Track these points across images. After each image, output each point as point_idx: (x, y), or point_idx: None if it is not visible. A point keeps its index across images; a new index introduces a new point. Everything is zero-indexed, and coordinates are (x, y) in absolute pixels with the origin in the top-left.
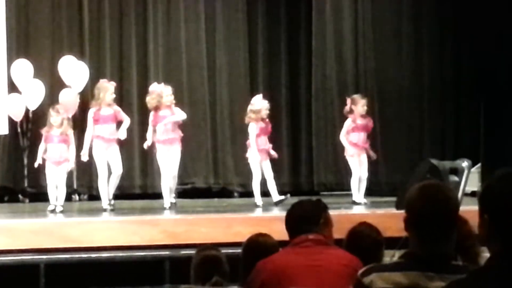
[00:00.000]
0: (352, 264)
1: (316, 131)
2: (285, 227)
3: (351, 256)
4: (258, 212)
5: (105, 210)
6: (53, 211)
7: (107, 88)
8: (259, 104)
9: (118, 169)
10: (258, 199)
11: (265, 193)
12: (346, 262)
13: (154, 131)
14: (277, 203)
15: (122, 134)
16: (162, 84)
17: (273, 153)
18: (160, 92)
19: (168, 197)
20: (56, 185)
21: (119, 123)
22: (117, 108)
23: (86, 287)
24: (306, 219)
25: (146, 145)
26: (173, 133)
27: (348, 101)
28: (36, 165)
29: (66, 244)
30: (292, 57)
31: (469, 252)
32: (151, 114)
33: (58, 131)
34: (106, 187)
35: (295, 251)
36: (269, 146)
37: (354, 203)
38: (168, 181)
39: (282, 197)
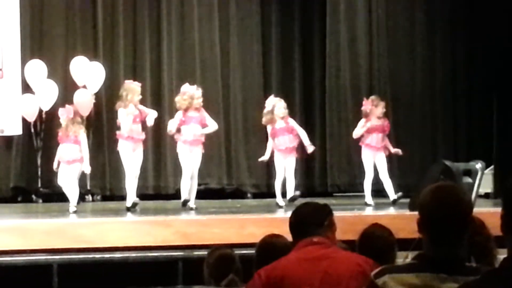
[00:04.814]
0: (367, 266)
1: (330, 132)
2: (289, 228)
3: (362, 257)
4: (271, 213)
5: (129, 209)
6: (75, 211)
7: (134, 90)
8: (272, 103)
9: (137, 171)
10: (279, 199)
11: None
12: (359, 265)
13: (179, 130)
14: (290, 200)
15: (150, 121)
16: (195, 86)
17: (310, 148)
18: (192, 94)
19: (187, 192)
20: (67, 184)
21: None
22: (142, 108)
23: (99, 287)
24: (310, 221)
25: (169, 131)
26: (198, 135)
27: (368, 102)
28: (54, 166)
29: (79, 245)
30: (306, 59)
31: (486, 254)
32: (179, 113)
33: (68, 132)
34: (135, 185)
35: (301, 257)
36: (293, 144)
37: (367, 204)
38: (188, 180)
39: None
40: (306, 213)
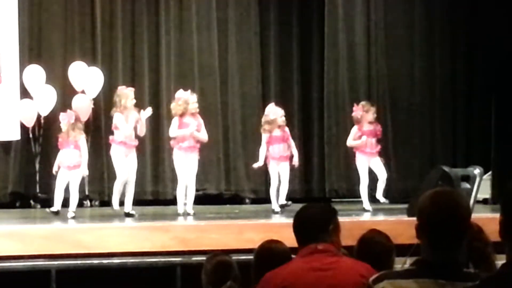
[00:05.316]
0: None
1: (328, 138)
2: (293, 232)
3: (366, 266)
4: (270, 219)
5: (128, 215)
6: (56, 213)
7: (127, 95)
8: (274, 113)
9: (133, 176)
10: (275, 205)
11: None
12: (363, 276)
13: (175, 137)
14: (281, 206)
15: (141, 130)
16: (189, 91)
17: (295, 161)
18: (186, 99)
19: (183, 203)
20: (63, 190)
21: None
22: (136, 114)
23: None
24: (315, 225)
25: (171, 134)
26: (194, 141)
27: (358, 107)
28: (54, 170)
29: (77, 250)
30: (304, 64)
31: (484, 260)
32: (175, 119)
33: (68, 137)
34: (120, 191)
35: (305, 266)
36: (287, 153)
37: (365, 210)
38: (183, 188)
39: (288, 202)
40: (311, 215)
